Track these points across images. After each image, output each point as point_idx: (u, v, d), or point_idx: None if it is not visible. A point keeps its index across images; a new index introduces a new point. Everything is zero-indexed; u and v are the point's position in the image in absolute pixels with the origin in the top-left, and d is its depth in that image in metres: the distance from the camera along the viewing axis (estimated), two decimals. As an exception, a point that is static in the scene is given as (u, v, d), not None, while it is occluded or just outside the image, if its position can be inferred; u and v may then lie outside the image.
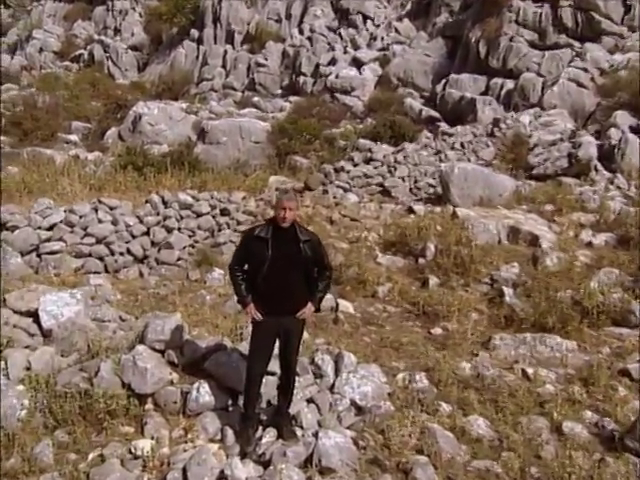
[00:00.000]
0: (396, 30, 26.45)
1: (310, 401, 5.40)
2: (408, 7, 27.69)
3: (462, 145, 15.54)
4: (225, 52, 29.87)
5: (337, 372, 5.85)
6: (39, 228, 9.17)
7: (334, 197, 12.39)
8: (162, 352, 5.66)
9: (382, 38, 26.27)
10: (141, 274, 9.77)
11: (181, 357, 5.63)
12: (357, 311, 8.43)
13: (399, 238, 10.54)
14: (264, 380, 5.35)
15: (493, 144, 15.63)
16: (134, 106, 21.68)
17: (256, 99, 24.11)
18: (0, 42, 38.37)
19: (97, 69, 32.42)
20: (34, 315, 6.36)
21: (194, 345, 5.75)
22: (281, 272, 4.78)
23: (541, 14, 21.20)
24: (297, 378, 5.59)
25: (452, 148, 15.44)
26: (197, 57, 30.85)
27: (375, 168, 13.57)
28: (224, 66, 29.51)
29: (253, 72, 27.62)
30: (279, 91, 26.62)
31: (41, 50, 38.43)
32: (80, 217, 9.50)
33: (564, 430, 5.60)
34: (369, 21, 27.46)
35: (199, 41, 31.39)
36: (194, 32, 31.68)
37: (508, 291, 8.93)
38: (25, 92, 25.56)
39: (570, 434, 5.55)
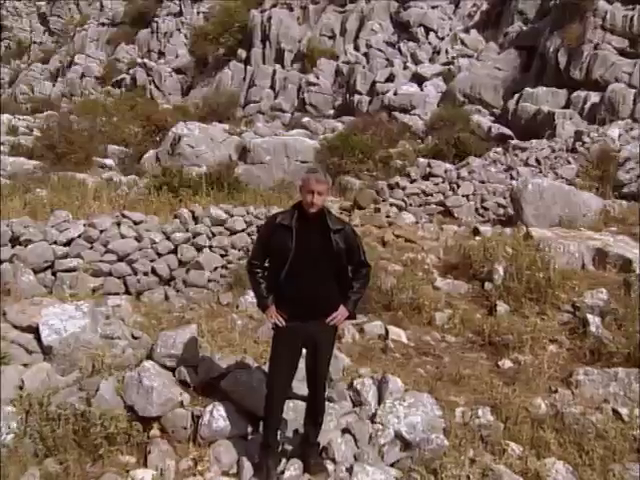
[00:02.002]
0: (462, 42, 26.33)
1: (346, 431, 4.93)
2: (476, 17, 27.57)
3: (537, 161, 14.94)
4: (274, 72, 30.45)
5: (380, 400, 5.37)
6: (55, 243, 9.13)
7: (387, 216, 12.12)
8: (173, 370, 5.33)
9: (446, 51, 26.22)
10: (166, 297, 9.59)
11: (195, 376, 5.29)
12: (410, 340, 8.08)
13: (462, 260, 10.21)
14: (292, 405, 4.97)
15: (575, 160, 14.96)
16: (173, 127, 22.08)
17: (306, 119, 24.22)
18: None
19: (139, 93, 33.58)
20: (35, 330, 6.17)
21: (211, 363, 5.41)
22: (307, 268, 4.41)
23: (632, 18, 20.55)
24: (332, 405, 5.22)
25: (526, 164, 14.87)
26: (244, 78, 31.55)
27: (435, 185, 13.19)
28: (273, 87, 30.02)
29: (303, 92, 27.91)
30: (331, 111, 26.76)
31: (83, 76, 40.34)
32: (101, 232, 9.44)
33: (667, 480, 4.92)
34: (432, 34, 27.50)
35: (246, 61, 32.20)
36: (241, 52, 32.54)
37: (594, 320, 8.34)
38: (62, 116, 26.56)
39: (675, 485, 4.86)
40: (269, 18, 32.20)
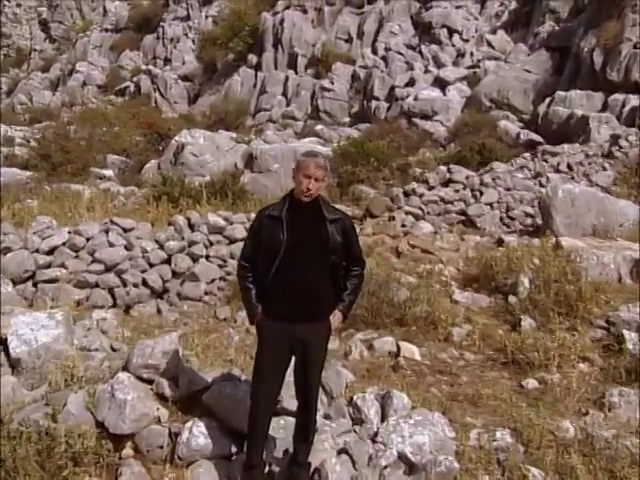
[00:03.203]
0: (489, 44, 26.23)
1: (342, 452, 4.69)
2: (504, 17, 27.48)
3: (569, 167, 14.68)
4: (286, 78, 30.51)
5: (384, 418, 5.12)
6: (37, 251, 9.07)
7: (403, 225, 11.99)
8: (151, 382, 5.12)
9: (471, 54, 26.12)
10: (159, 310, 9.47)
11: (175, 389, 5.09)
12: (425, 357, 7.96)
13: (483, 272, 10.16)
14: (283, 422, 4.80)
15: (611, 166, 14.67)
16: (177, 135, 22.10)
17: (319, 127, 24.15)
18: None
19: (143, 102, 33.77)
20: (4, 341, 6.01)
21: (193, 375, 5.21)
22: (299, 263, 4.22)
23: (674, 14, 20.32)
24: (329, 422, 5.03)
25: (557, 170, 14.62)
26: (254, 85, 31.64)
27: (456, 192, 13.05)
28: (285, 94, 30.06)
29: (317, 99, 27.90)
30: (347, 119, 26.69)
31: (84, 84, 40.75)
32: (87, 239, 9.39)
33: None
34: (456, 35, 27.43)
35: (257, 67, 32.31)
36: (252, 57, 32.66)
37: (631, 336, 8.18)
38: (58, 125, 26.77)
39: None
40: (281, 21, 32.32)
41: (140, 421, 4.82)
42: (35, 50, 55.11)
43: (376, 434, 4.94)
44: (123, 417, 4.80)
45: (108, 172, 22.60)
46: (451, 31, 27.79)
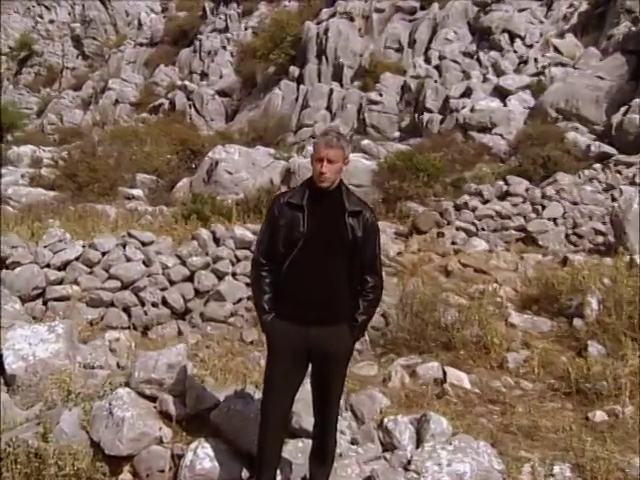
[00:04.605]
0: (555, 49, 25.96)
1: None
2: (573, 20, 27.15)
3: (646, 178, 14.26)
4: (331, 91, 30.65)
5: (419, 444, 4.85)
6: (48, 266, 9.07)
7: (453, 242, 11.77)
8: (154, 399, 4.97)
9: (536, 60, 25.88)
10: (180, 332, 9.38)
11: (181, 407, 4.93)
12: (475, 385, 7.81)
13: (544, 293, 10.15)
14: (301, 444, 4.63)
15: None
16: (210, 152, 22.30)
17: (365, 142, 24.07)
18: None
19: (178, 119, 34.29)
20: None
21: (202, 391, 5.04)
22: (316, 257, 4.07)
23: None
24: (355, 447, 4.83)
25: (632, 182, 14.21)
26: (296, 99, 31.86)
27: (514, 206, 12.80)
28: (329, 108, 30.17)
29: (364, 112, 27.89)
30: (396, 134, 26.61)
31: (117, 102, 41.70)
32: (102, 254, 9.38)
33: None
34: (518, 40, 27.26)
35: (299, 80, 32.57)
36: (294, 70, 32.96)
37: None
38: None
39: None
40: (326, 30, 32.57)
41: (139, 441, 4.68)
42: (67, 68, 56.78)
43: (409, 462, 4.68)
44: (120, 436, 4.65)
45: (137, 192, 22.93)
46: (513, 36, 27.61)
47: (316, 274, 4.07)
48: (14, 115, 44.84)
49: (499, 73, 26.13)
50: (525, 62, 26.42)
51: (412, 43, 30.56)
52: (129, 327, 9.20)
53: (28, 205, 20.09)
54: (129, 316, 9.28)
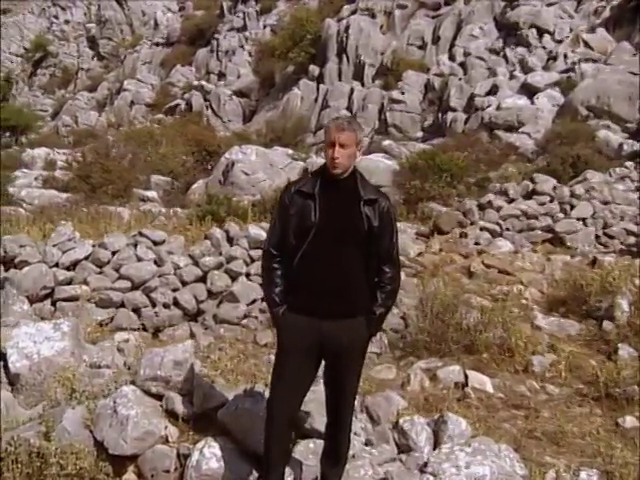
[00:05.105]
0: (586, 44, 25.84)
1: (383, 482, 4.40)
2: (605, 14, 26.93)
3: (681, 177, 14.09)
4: (351, 90, 30.66)
5: (436, 445, 4.79)
6: (56, 266, 9.09)
7: (476, 243, 11.70)
8: (160, 398, 4.95)
9: (565, 56, 25.75)
10: (192, 334, 9.34)
11: (189, 405, 4.91)
12: (498, 389, 7.71)
13: (572, 294, 9.99)
14: (312, 445, 4.59)
15: None
16: (226, 152, 22.34)
17: (387, 142, 24.01)
18: None
19: (194, 120, 34.44)
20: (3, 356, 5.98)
21: (210, 389, 5.03)
22: (330, 248, 4.03)
23: None
24: (369, 449, 4.77)
25: (666, 181, 14.04)
26: (316, 99, 31.90)
27: (541, 205, 12.67)
28: (349, 108, 30.19)
29: (386, 111, 27.84)
30: (419, 134, 26.55)
31: (132, 103, 41.98)
32: (112, 253, 9.38)
33: None
34: (547, 36, 27.17)
35: (319, 79, 32.59)
36: (313, 69, 33.00)
37: None
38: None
39: None
40: (347, 27, 32.57)
41: (144, 440, 4.67)
42: (82, 69, 57.36)
43: (426, 464, 4.61)
44: (124, 435, 4.65)
45: (151, 193, 23.04)
46: (541, 32, 27.51)
47: (329, 265, 4.02)
48: (29, 117, 45.41)
49: (527, 70, 26.00)
50: (554, 58, 26.27)
51: (436, 40, 30.51)
52: (139, 328, 9.21)
53: (41, 207, 20.24)
54: (140, 317, 9.28)
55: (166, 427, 4.80)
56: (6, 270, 9.00)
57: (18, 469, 4.66)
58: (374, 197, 4.12)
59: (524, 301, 9.90)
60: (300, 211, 4.06)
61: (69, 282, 9.14)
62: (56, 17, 64.19)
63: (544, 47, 26.99)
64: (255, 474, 4.51)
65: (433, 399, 7.18)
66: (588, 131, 21.31)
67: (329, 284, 4.02)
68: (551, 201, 12.93)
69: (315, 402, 4.62)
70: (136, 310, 9.26)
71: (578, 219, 12.83)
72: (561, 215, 12.83)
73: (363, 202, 4.07)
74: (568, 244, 12.53)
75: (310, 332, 4.03)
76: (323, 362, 4.19)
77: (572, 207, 12.89)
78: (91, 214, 17.70)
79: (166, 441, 4.76)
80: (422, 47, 30.77)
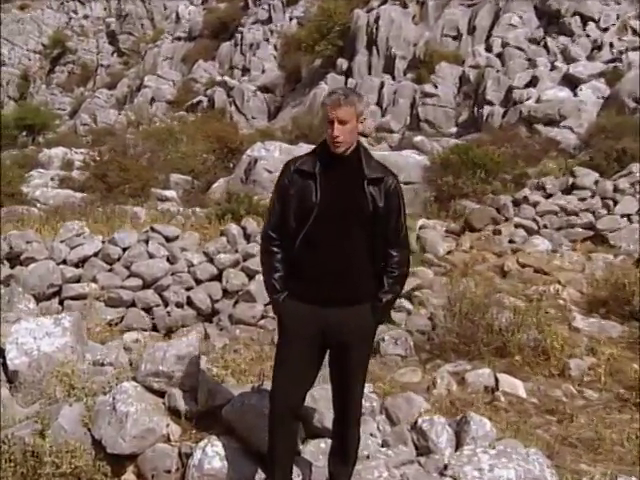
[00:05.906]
0: (634, 32, 25.56)
1: (399, 484, 4.32)
2: (655, -2, 26.66)
3: None
4: (382, 84, 30.63)
5: (458, 447, 4.69)
6: (64, 262, 9.15)
7: (511, 241, 11.59)
8: (163, 394, 4.92)
9: (611, 45, 25.63)
10: (206, 335, 9.33)
11: (192, 403, 4.87)
12: (531, 394, 7.65)
13: (614, 295, 9.92)
14: (324, 445, 4.53)
15: None
16: (248, 149, 22.38)
17: (419, 138, 23.87)
18: None
19: (217, 117, 34.59)
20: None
21: (215, 386, 4.99)
22: (332, 231, 3.96)
23: None
24: (385, 450, 4.70)
25: None
26: (344, 94, 31.80)
27: (581, 200, 12.50)
28: (379, 103, 30.16)
29: (417, 106, 27.74)
30: (453, 129, 26.41)
31: (153, 100, 42.29)
32: (123, 250, 9.43)
33: None
34: (591, 24, 27.03)
35: (347, 73, 32.61)
36: (341, 62, 33.03)
37: None
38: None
39: None
40: (377, 18, 32.54)
41: (144, 438, 4.64)
42: (102, 65, 57.95)
43: (446, 467, 4.52)
44: (123, 433, 4.62)
45: (170, 193, 23.14)
46: (585, 19, 27.38)
47: (332, 249, 3.96)
48: (46, 116, 46.02)
49: (569, 60, 25.82)
50: (599, 48, 26.12)
51: (472, 30, 30.39)
52: (151, 329, 9.23)
53: (55, 207, 20.44)
54: (151, 317, 9.33)
55: (168, 425, 4.76)
56: (12, 267, 9.07)
57: (12, 468, 4.67)
58: (380, 175, 4.03)
59: (561, 302, 9.85)
60: (300, 191, 3.99)
61: (77, 280, 9.23)
62: (75, 12, 65.09)
63: (588, 35, 26.79)
64: (260, 474, 4.46)
65: (459, 403, 7.11)
66: (635, 125, 20.97)
67: (332, 269, 3.96)
68: (592, 196, 12.81)
69: (325, 400, 4.56)
70: (147, 310, 9.34)
71: (622, 215, 12.71)
72: (603, 211, 12.71)
73: (367, 181, 3.99)
74: (611, 242, 12.40)
75: (313, 320, 3.97)
76: (328, 354, 4.14)
77: (615, 203, 12.77)
78: (106, 214, 17.85)
79: (167, 440, 4.72)
80: (457, 38, 30.67)
